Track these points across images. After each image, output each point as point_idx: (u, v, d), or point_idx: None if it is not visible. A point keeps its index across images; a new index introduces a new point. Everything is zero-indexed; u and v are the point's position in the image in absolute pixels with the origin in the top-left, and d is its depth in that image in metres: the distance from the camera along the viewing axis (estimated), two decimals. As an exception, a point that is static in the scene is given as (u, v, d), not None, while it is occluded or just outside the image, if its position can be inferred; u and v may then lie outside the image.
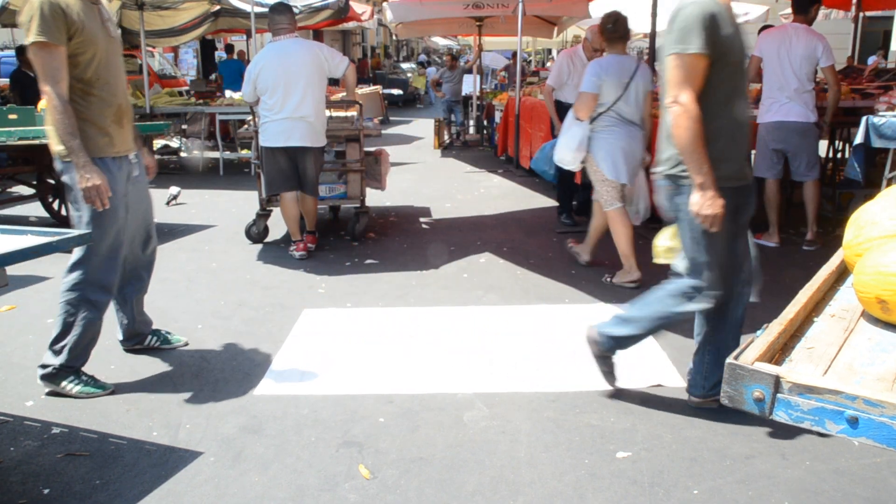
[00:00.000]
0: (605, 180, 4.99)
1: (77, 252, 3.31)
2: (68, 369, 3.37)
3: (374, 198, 7.43)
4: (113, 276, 3.43)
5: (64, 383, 3.36)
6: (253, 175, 6.49)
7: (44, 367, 3.37)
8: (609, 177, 4.96)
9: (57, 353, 3.35)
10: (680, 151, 2.80)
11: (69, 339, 3.34)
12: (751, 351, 1.43)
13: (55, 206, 7.06)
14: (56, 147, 3.21)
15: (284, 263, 5.62)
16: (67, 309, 3.33)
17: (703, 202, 2.75)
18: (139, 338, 3.90)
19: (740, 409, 1.40)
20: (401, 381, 3.57)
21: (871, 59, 14.90)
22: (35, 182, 6.93)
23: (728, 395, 1.40)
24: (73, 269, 3.32)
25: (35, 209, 7.23)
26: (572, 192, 6.94)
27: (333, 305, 4.66)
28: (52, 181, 6.98)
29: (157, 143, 11.83)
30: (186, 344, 4.01)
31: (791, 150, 5.78)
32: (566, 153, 5.01)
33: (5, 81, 14.30)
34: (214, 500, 2.59)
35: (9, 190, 7.11)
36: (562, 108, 6.47)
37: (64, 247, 2.71)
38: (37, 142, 5.87)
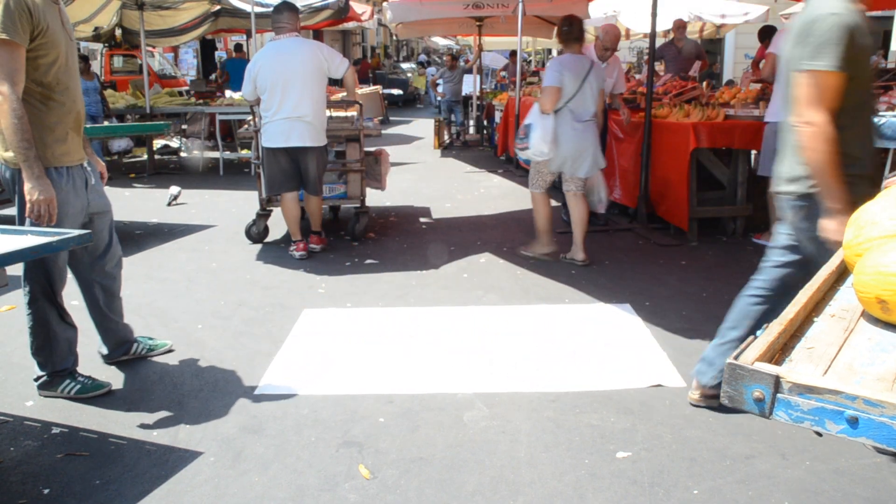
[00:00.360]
0: (543, 171, 5.52)
1: (30, 264, 3.21)
2: (62, 373, 3.37)
3: (374, 198, 7.43)
4: (62, 275, 3.33)
5: (61, 387, 3.35)
6: (253, 175, 6.50)
7: (37, 378, 3.37)
8: (552, 169, 5.46)
9: (43, 361, 3.34)
10: (813, 174, 2.64)
11: (47, 346, 3.32)
12: (751, 351, 1.43)
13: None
14: (4, 153, 3.05)
15: (284, 263, 5.62)
16: (37, 319, 3.28)
17: (837, 228, 2.50)
18: (125, 346, 3.80)
19: (740, 409, 1.39)
20: (401, 381, 3.57)
21: (872, 60, 14.86)
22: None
23: (728, 395, 1.40)
24: (27, 280, 3.24)
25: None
26: None
27: (333, 305, 4.67)
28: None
29: (158, 143, 11.83)
30: (171, 350, 3.92)
31: None
32: (543, 145, 5.27)
33: None
34: (214, 500, 2.59)
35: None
36: None
37: (64, 247, 2.71)
38: None
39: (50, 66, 3.03)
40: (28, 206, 2.97)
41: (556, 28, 6.26)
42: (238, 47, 16.52)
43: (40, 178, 2.96)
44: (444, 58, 22.48)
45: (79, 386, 3.37)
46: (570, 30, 5.38)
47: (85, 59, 10.66)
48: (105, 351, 3.76)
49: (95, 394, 3.38)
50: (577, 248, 5.59)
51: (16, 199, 3.14)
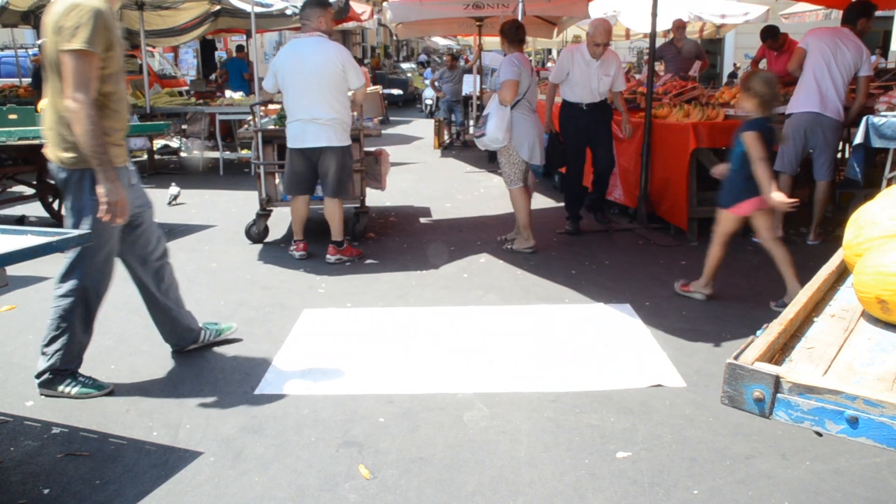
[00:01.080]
0: (517, 162, 5.81)
1: (72, 259, 3.30)
2: (64, 372, 3.37)
3: (374, 198, 7.43)
4: (107, 283, 3.42)
5: (62, 387, 3.36)
6: (253, 175, 6.49)
7: (39, 375, 3.37)
8: (524, 158, 5.79)
9: (49, 356, 3.34)
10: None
11: (61, 344, 3.33)
12: (751, 351, 1.43)
13: (55, 206, 7.06)
14: (67, 154, 3.17)
15: (284, 263, 5.62)
16: (61, 314, 3.31)
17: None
18: (193, 334, 3.91)
19: (740, 409, 1.39)
20: (401, 381, 3.57)
21: (871, 59, 14.85)
22: (35, 182, 6.93)
23: (728, 395, 1.40)
24: (68, 276, 3.31)
25: (35, 209, 7.24)
26: (579, 195, 6.71)
27: (333, 305, 4.66)
28: (51, 181, 6.98)
29: (157, 143, 11.83)
30: (238, 339, 4.08)
31: (818, 146, 5.82)
32: (499, 133, 5.63)
33: (6, 81, 14.31)
34: (214, 499, 2.59)
35: (9, 190, 7.11)
36: (565, 107, 6.45)
37: (64, 247, 2.71)
38: (36, 142, 5.87)
39: (111, 76, 3.19)
40: (103, 206, 3.10)
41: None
42: (239, 48, 16.51)
43: (114, 180, 3.12)
44: (444, 58, 22.37)
45: (79, 386, 3.38)
46: (517, 33, 5.83)
47: None
48: (173, 342, 3.87)
49: (96, 394, 3.38)
50: (529, 236, 5.95)
51: (70, 199, 3.26)
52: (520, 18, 7.58)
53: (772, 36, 8.73)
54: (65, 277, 3.32)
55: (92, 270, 3.31)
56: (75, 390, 3.36)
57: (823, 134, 5.79)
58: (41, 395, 3.37)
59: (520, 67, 5.63)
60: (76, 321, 3.33)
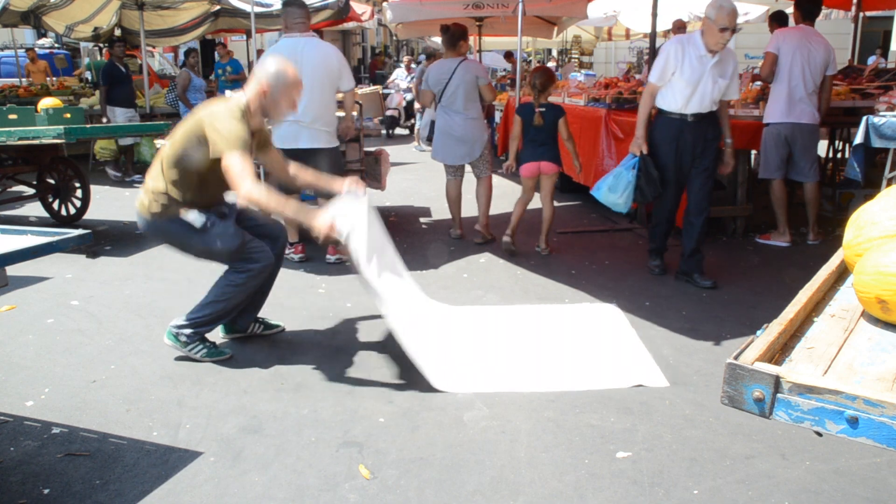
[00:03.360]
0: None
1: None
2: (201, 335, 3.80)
3: (373, 198, 7.41)
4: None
5: (192, 348, 3.77)
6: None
7: (178, 329, 3.78)
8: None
9: (204, 321, 3.77)
10: None
11: (224, 313, 3.81)
12: (751, 351, 1.43)
13: (55, 206, 7.07)
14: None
15: (284, 263, 5.59)
16: (244, 289, 3.77)
17: None
18: (248, 320, 4.11)
19: (740, 409, 1.40)
20: (401, 380, 3.56)
21: (871, 59, 14.90)
22: (35, 182, 6.93)
23: (728, 395, 1.40)
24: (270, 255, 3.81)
25: (35, 209, 7.23)
26: (669, 229, 5.31)
27: (333, 305, 4.66)
28: (51, 181, 6.98)
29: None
30: (282, 330, 4.23)
31: (799, 150, 5.84)
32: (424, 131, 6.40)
33: (5, 81, 14.32)
34: (215, 500, 2.59)
35: (9, 190, 7.11)
36: (662, 119, 4.98)
37: (64, 247, 2.72)
38: (37, 142, 5.86)
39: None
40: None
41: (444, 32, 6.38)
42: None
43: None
44: (422, 56, 21.70)
45: (205, 349, 3.78)
46: (450, 37, 6.09)
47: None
48: (236, 319, 4.05)
49: (219, 359, 3.78)
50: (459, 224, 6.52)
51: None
52: (520, 18, 7.61)
53: (779, 21, 8.62)
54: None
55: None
56: (203, 352, 3.77)
57: (802, 140, 5.83)
58: (43, 387, 3.37)
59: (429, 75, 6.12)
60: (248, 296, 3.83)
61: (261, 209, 3.43)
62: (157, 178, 3.58)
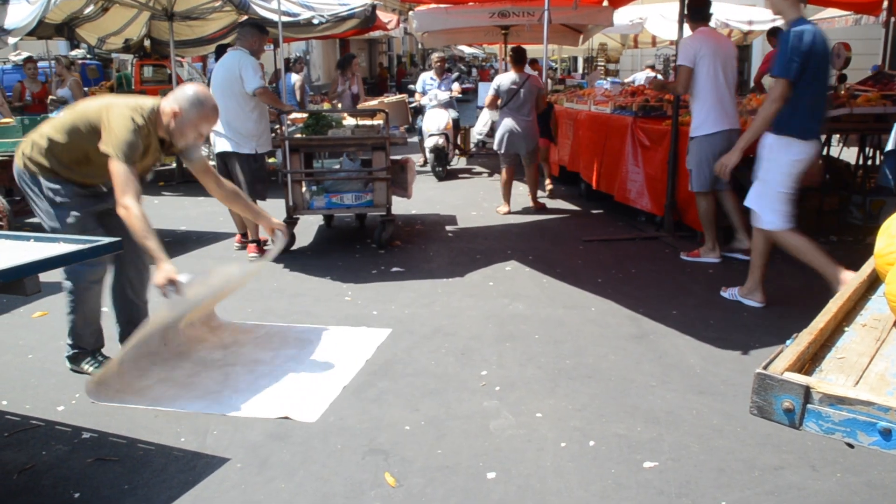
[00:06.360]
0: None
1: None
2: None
3: (399, 206, 7.44)
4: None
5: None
6: (280, 183, 6.53)
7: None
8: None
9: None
10: None
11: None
12: (780, 361, 1.42)
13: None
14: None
15: (311, 271, 5.65)
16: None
17: None
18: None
19: (769, 419, 1.38)
20: (426, 388, 3.56)
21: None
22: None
23: (757, 406, 1.39)
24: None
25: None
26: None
27: (359, 313, 4.68)
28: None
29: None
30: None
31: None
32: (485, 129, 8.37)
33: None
34: (241, 506, 2.61)
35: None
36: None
37: (95, 255, 2.76)
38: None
39: None
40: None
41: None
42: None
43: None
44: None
45: (96, 363, 3.74)
46: (517, 56, 7.82)
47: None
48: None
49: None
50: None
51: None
52: (545, 27, 7.67)
53: (776, 35, 8.60)
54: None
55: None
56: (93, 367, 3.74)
57: (731, 147, 5.11)
58: (73, 393, 3.42)
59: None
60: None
61: (128, 226, 3.31)
62: (43, 138, 3.52)
